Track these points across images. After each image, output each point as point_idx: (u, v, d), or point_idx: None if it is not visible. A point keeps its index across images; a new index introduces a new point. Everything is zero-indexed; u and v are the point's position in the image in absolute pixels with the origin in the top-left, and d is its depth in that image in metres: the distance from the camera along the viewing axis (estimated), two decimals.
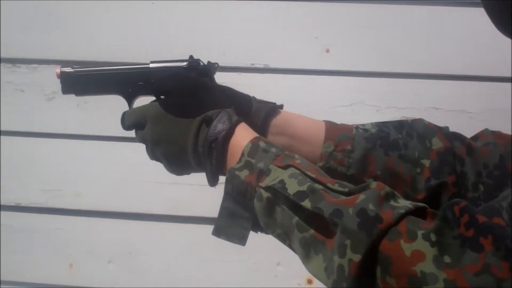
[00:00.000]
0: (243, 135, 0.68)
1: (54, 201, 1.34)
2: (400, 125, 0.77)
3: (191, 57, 0.77)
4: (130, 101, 0.79)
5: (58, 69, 0.78)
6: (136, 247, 1.33)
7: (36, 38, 1.32)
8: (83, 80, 0.78)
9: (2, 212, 1.35)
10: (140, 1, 1.29)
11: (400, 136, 0.76)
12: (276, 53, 1.27)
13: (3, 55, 1.33)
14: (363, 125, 0.78)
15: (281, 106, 0.78)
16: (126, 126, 0.77)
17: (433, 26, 1.24)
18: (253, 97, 0.78)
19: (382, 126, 0.77)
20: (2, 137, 1.34)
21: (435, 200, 0.73)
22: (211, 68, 0.77)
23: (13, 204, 1.35)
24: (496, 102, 1.21)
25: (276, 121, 0.76)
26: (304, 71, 1.27)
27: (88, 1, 1.30)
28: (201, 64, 0.76)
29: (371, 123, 0.78)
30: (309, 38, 1.26)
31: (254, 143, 0.66)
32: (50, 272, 1.35)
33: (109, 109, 1.23)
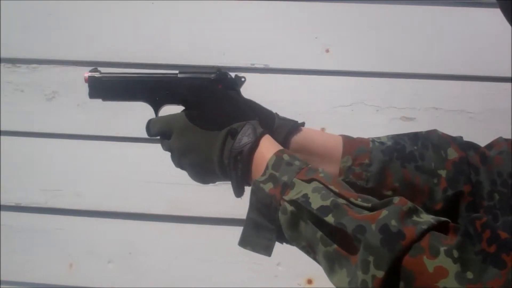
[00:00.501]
0: (267, 148, 0.69)
1: (54, 201, 1.34)
2: (415, 136, 0.79)
3: (219, 69, 0.78)
4: (156, 109, 0.80)
5: (86, 74, 0.79)
6: (136, 247, 1.33)
7: (36, 38, 1.32)
8: (110, 86, 0.79)
9: (2, 212, 1.35)
10: (140, 1, 1.29)
11: (415, 147, 0.77)
12: (276, 53, 1.27)
13: (3, 55, 1.33)
14: (379, 138, 0.79)
15: (303, 124, 0.80)
16: (151, 133, 0.78)
17: (433, 26, 1.24)
18: (276, 113, 0.80)
19: (397, 139, 0.78)
20: (2, 137, 1.34)
21: (453, 210, 0.74)
22: (238, 81, 0.78)
23: (13, 204, 1.35)
24: (496, 102, 1.21)
25: (297, 138, 0.78)
26: (304, 71, 1.27)
27: (88, 1, 1.30)
28: (229, 76, 0.77)
29: (387, 136, 0.79)
30: (309, 38, 1.26)
31: (278, 156, 0.67)
32: (50, 272, 1.35)
33: (109, 109, 1.24)
